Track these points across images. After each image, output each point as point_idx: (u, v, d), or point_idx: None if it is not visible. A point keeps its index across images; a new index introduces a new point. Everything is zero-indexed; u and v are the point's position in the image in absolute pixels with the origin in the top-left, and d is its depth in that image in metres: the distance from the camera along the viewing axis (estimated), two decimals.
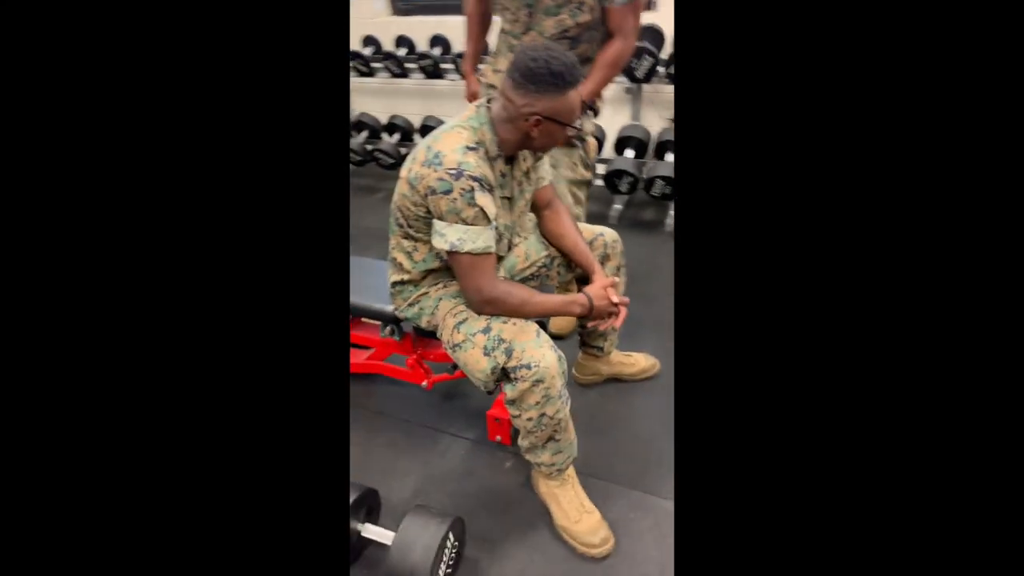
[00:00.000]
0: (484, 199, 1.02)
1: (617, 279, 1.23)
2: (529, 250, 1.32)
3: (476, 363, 1.08)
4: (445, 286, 1.20)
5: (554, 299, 1.16)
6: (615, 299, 1.17)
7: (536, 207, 1.29)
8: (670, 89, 2.52)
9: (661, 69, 2.36)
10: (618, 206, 2.55)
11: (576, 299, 1.15)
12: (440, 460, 1.43)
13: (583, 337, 1.53)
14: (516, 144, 1.08)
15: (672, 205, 2.45)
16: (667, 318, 1.89)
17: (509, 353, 1.05)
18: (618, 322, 1.20)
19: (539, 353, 1.04)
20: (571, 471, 1.23)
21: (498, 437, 1.41)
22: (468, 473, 1.39)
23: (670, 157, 2.41)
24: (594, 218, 2.60)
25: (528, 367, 1.03)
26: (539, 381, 1.04)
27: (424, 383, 1.48)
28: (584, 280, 1.33)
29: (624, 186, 2.40)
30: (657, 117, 2.66)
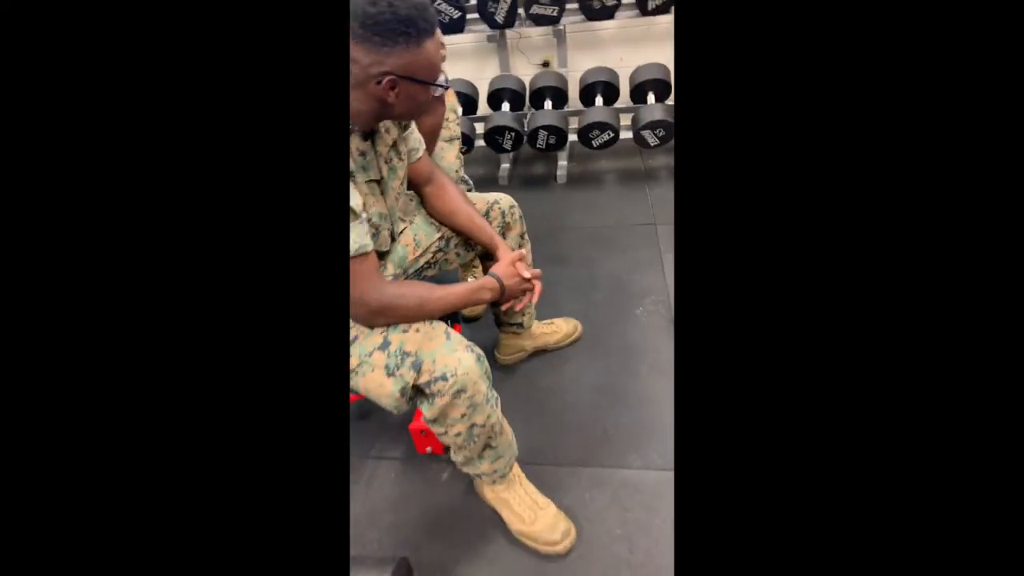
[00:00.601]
0: None
1: (524, 251, 1.08)
2: (418, 235, 1.14)
3: (380, 387, 0.89)
4: None
5: (458, 289, 0.99)
6: (526, 274, 1.03)
7: (415, 184, 1.11)
8: (536, 32, 2.37)
9: (522, 11, 2.18)
10: (506, 165, 2.41)
11: (484, 284, 1.00)
12: (368, 490, 1.25)
13: (499, 317, 1.39)
14: (372, 115, 0.87)
15: (561, 155, 2.35)
16: (579, 275, 1.79)
17: (418, 367, 0.88)
18: (535, 297, 1.06)
19: (453, 359, 0.88)
20: (516, 469, 1.11)
21: (428, 449, 1.26)
22: (403, 498, 1.22)
23: (548, 105, 2.28)
24: (483, 181, 2.45)
25: (444, 378, 0.87)
26: (460, 391, 0.88)
27: None
28: (487, 256, 1.18)
29: (507, 143, 2.24)
30: (527, 63, 2.50)
